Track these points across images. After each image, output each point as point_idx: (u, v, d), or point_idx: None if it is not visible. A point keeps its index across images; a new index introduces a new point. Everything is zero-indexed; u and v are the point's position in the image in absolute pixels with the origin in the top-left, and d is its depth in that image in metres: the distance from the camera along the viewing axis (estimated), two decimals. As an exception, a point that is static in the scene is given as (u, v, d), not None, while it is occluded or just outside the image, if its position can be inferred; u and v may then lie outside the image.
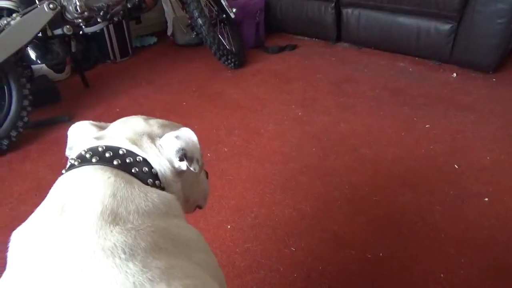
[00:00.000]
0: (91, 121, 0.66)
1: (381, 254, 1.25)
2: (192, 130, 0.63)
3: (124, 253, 0.44)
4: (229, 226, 1.39)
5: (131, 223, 0.48)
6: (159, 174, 0.58)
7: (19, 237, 0.47)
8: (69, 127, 0.67)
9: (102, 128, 0.65)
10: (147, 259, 0.45)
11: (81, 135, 0.63)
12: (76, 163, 0.56)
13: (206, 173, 0.84)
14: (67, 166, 0.57)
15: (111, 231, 0.46)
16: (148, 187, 0.55)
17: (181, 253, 0.50)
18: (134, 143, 0.59)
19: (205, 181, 0.81)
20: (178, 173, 0.61)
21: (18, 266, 0.44)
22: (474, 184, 1.51)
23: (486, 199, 1.44)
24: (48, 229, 0.46)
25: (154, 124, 0.64)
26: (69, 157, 0.60)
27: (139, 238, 0.47)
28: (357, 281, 1.18)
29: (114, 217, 0.47)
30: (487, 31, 2.13)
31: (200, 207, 0.80)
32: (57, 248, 0.44)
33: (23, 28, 1.83)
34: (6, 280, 0.44)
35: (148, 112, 2.16)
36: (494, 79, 2.26)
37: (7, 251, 0.47)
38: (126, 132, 0.61)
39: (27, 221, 0.49)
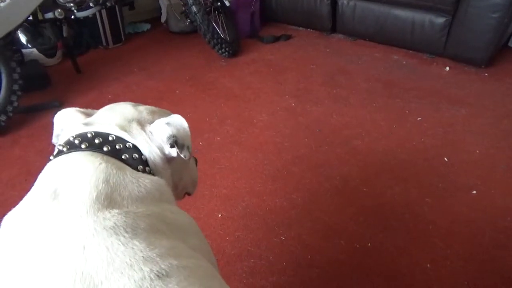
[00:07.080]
0: (77, 108, 0.64)
1: (369, 245, 1.27)
2: (185, 118, 0.62)
3: (127, 232, 0.44)
4: (220, 215, 1.39)
5: (126, 207, 0.48)
6: (149, 160, 0.58)
7: (11, 221, 0.46)
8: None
9: (89, 115, 0.64)
10: (150, 239, 0.44)
11: (68, 122, 0.62)
12: (64, 149, 0.54)
13: (195, 160, 0.83)
14: (55, 152, 0.56)
15: (110, 213, 0.45)
16: (140, 173, 0.54)
17: (177, 237, 0.50)
18: (124, 129, 0.58)
19: (194, 168, 0.81)
20: (168, 159, 0.61)
21: (12, 249, 0.43)
22: (463, 177, 1.53)
23: (474, 192, 1.46)
24: (41, 213, 0.45)
25: (143, 111, 0.63)
26: (57, 144, 0.58)
27: (138, 220, 0.46)
28: (345, 270, 1.19)
29: (109, 202, 0.47)
30: (480, 25, 2.14)
31: (189, 194, 0.80)
32: (53, 231, 0.43)
33: (13, 10, 1.79)
34: (1, 263, 0.42)
35: (140, 100, 2.14)
36: (486, 74, 2.27)
37: None
38: (115, 118, 0.60)
39: (18, 206, 0.48)
